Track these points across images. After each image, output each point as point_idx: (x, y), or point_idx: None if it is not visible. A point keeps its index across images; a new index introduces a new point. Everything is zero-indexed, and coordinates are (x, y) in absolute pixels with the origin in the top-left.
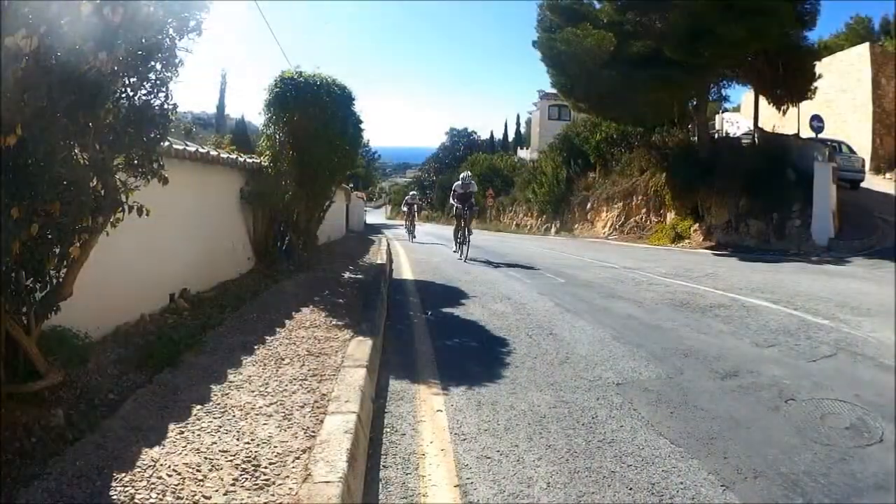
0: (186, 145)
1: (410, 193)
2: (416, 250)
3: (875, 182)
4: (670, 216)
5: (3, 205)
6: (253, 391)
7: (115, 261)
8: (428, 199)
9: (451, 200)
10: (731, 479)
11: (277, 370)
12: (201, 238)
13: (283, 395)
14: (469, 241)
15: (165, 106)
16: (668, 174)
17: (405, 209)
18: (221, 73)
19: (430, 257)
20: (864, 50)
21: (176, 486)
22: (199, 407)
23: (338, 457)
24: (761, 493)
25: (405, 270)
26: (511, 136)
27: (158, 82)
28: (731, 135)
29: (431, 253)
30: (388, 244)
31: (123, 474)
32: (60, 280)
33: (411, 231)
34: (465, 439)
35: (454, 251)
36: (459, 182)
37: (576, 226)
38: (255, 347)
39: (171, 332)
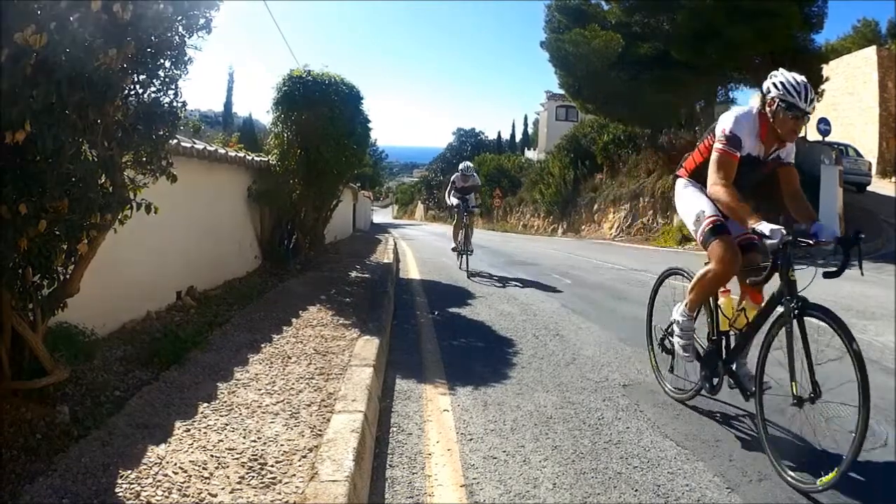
0: (194, 143)
1: (464, 164)
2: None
3: (881, 185)
4: (677, 218)
5: (10, 201)
6: (259, 389)
7: (122, 258)
8: (434, 199)
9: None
10: (736, 481)
11: (284, 368)
12: (208, 236)
13: (290, 394)
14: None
15: (174, 103)
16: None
17: (454, 202)
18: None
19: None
20: (870, 53)
21: (182, 483)
22: (205, 405)
23: (344, 455)
24: (766, 496)
25: (412, 270)
26: (518, 137)
27: (167, 80)
28: None
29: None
30: (395, 244)
31: (129, 471)
32: (67, 277)
33: (464, 248)
34: (471, 439)
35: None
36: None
37: (582, 227)
38: (262, 345)
39: (178, 329)
